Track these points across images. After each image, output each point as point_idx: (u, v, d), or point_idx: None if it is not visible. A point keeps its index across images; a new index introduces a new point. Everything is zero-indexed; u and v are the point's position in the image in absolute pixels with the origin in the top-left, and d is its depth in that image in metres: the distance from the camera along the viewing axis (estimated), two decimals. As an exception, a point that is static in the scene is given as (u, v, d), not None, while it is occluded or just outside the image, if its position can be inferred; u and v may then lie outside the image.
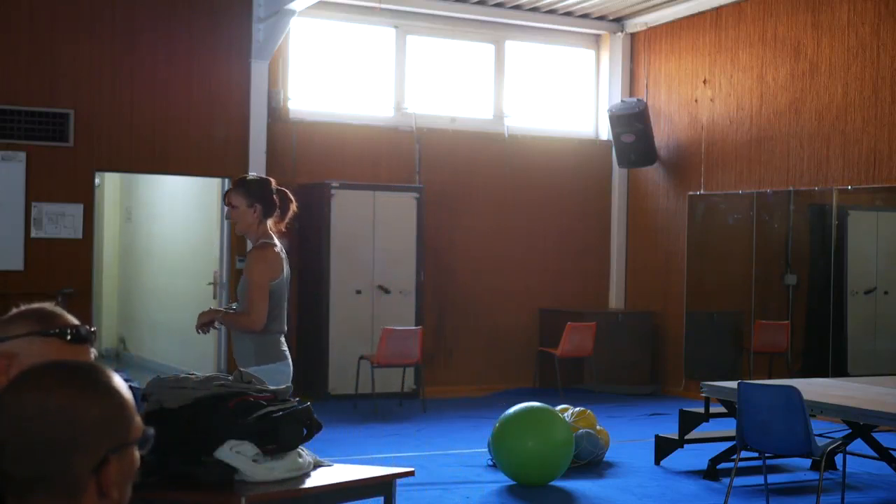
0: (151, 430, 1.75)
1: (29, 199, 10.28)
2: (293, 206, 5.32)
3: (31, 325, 2.34)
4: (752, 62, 11.74)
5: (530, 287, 12.71)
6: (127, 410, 1.70)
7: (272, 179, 5.35)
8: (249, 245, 5.39)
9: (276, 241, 5.26)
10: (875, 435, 7.51)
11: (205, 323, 5.29)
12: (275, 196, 5.27)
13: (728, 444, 7.82)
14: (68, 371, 1.70)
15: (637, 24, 12.98)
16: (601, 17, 12.98)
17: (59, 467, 1.62)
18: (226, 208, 5.33)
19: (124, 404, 1.70)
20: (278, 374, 5.22)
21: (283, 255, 5.31)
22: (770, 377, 10.61)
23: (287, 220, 5.32)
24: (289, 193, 5.34)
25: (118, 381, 1.72)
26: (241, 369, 5.02)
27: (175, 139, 10.91)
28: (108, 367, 1.75)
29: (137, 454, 1.72)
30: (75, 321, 2.39)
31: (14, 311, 2.39)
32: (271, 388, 4.66)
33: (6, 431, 1.63)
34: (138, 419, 1.72)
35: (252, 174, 5.41)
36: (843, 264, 10.98)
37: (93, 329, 2.41)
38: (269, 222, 5.24)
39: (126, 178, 14.35)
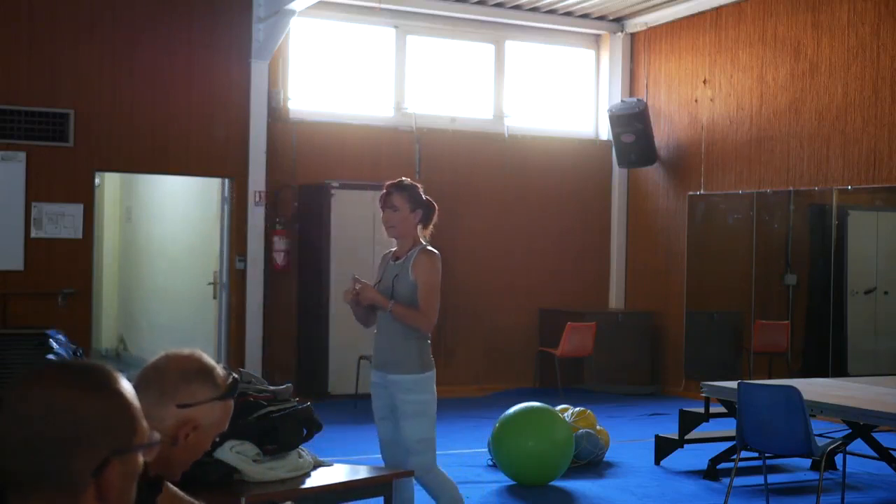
0: (157, 436, 1.74)
1: (29, 199, 10.28)
2: (435, 216, 5.35)
3: (207, 390, 2.33)
4: (752, 62, 11.74)
5: (530, 287, 12.70)
6: (131, 414, 1.69)
7: (420, 185, 5.35)
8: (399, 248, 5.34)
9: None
10: (875, 435, 7.51)
11: (360, 301, 5.20)
12: (426, 203, 5.31)
13: (728, 444, 7.82)
14: (76, 371, 1.69)
15: (637, 24, 12.98)
16: (601, 17, 12.98)
17: (59, 466, 1.62)
18: (384, 211, 5.30)
19: (129, 407, 1.68)
20: (433, 381, 5.22)
21: None
22: (770, 377, 10.60)
23: (431, 228, 5.34)
24: (433, 202, 5.36)
25: (125, 384, 1.70)
26: (401, 375, 5.10)
27: (175, 139, 10.91)
28: (115, 369, 1.74)
29: (141, 460, 1.71)
30: (222, 370, 2.39)
31: (164, 361, 2.34)
32: (270, 388, 4.66)
33: (9, 427, 1.63)
34: (144, 424, 1.71)
35: (406, 179, 5.37)
36: (843, 264, 10.98)
37: (236, 377, 2.45)
38: (419, 229, 5.26)
39: (126, 178, 14.34)
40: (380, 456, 5.43)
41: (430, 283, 5.13)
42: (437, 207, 5.35)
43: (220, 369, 2.39)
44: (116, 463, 1.65)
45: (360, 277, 5.30)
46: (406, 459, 5.19)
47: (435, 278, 5.15)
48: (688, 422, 8.23)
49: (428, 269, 5.14)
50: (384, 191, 5.31)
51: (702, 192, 12.32)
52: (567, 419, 8.01)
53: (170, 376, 2.31)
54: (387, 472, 4.93)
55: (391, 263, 5.29)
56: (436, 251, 5.23)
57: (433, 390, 5.18)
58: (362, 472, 4.87)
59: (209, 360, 2.38)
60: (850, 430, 7.21)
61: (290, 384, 4.93)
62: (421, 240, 5.26)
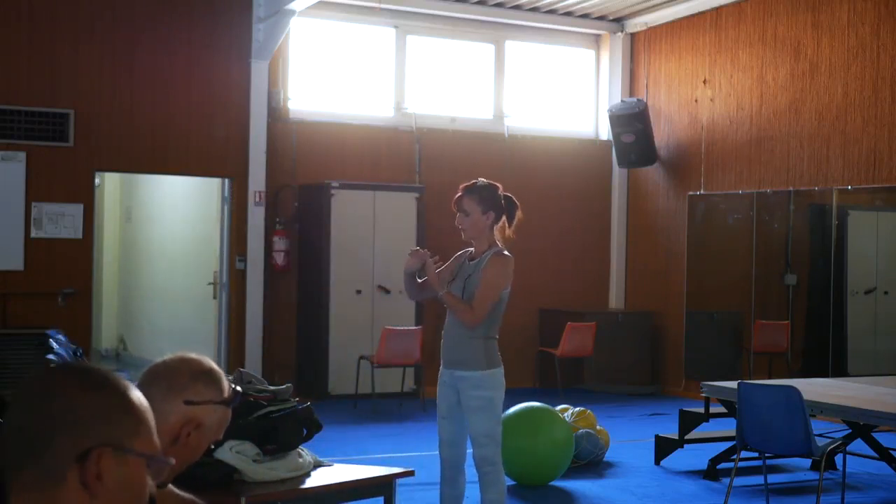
0: (172, 461, 1.72)
1: (29, 199, 10.29)
2: (519, 213, 5.40)
3: (214, 392, 2.37)
4: (752, 62, 11.74)
5: (530, 287, 12.69)
6: (136, 417, 1.66)
7: (499, 185, 5.39)
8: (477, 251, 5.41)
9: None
10: (875, 435, 7.50)
11: (419, 269, 5.28)
12: (503, 202, 5.35)
13: (728, 444, 7.82)
14: (84, 370, 1.69)
15: (637, 24, 12.98)
16: (601, 17, 12.98)
17: (42, 446, 1.60)
18: (458, 214, 5.34)
19: (131, 410, 1.66)
20: (501, 378, 5.33)
21: None
22: (770, 377, 10.60)
23: (514, 226, 5.40)
24: (514, 199, 5.40)
25: (134, 393, 1.68)
26: (468, 372, 5.21)
27: (175, 139, 10.91)
28: (130, 381, 1.73)
29: (146, 473, 1.67)
30: (226, 381, 2.43)
31: (176, 360, 2.37)
32: (270, 388, 4.66)
33: (7, 418, 1.64)
34: (155, 438, 1.68)
35: (482, 180, 5.41)
36: (843, 264, 10.97)
37: (238, 388, 2.48)
38: (497, 229, 5.33)
39: (126, 178, 14.35)
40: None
41: (490, 283, 5.24)
42: (518, 205, 5.40)
43: (224, 379, 2.43)
44: (108, 456, 1.62)
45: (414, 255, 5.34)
46: (462, 459, 5.40)
47: (498, 280, 5.26)
48: (688, 422, 8.23)
49: (494, 272, 5.25)
50: (458, 194, 5.34)
51: (702, 192, 12.32)
52: (567, 419, 8.01)
53: (180, 373, 2.35)
54: (387, 472, 4.93)
55: (467, 263, 5.39)
56: (509, 254, 5.33)
57: (500, 387, 5.30)
58: (362, 472, 4.87)
59: (215, 366, 2.42)
60: (850, 430, 7.21)
61: (290, 384, 4.93)
62: (497, 241, 5.34)
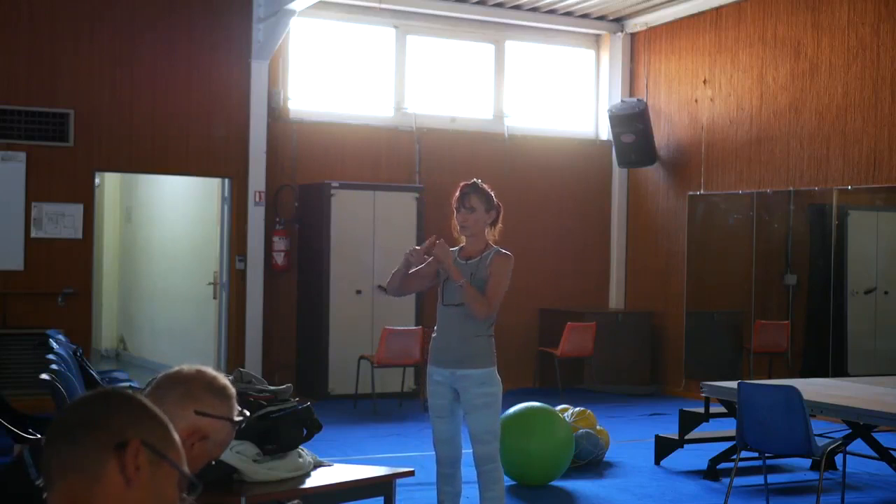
0: (200, 485, 1.75)
1: (29, 199, 10.29)
2: (501, 217, 5.52)
3: (225, 409, 2.40)
4: (752, 62, 11.73)
5: (530, 287, 12.69)
6: (166, 429, 1.73)
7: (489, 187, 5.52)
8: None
9: None
10: (875, 435, 7.50)
11: (433, 254, 5.29)
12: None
13: (728, 444, 7.82)
14: (124, 394, 1.77)
15: (637, 24, 12.98)
16: (601, 17, 12.98)
17: (81, 442, 1.66)
18: (462, 210, 5.39)
19: (166, 425, 1.73)
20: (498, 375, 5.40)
21: None
22: (770, 377, 10.60)
23: (496, 230, 5.52)
24: (500, 203, 5.52)
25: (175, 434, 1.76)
26: (475, 370, 5.27)
27: (175, 139, 10.91)
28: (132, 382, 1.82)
29: (177, 490, 1.71)
30: (236, 404, 2.46)
31: (194, 370, 2.41)
32: (270, 388, 4.66)
33: (52, 425, 1.73)
34: (182, 456, 1.73)
35: (478, 180, 5.53)
36: (843, 264, 10.97)
37: (246, 412, 2.51)
38: (488, 230, 5.46)
39: (126, 178, 14.35)
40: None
41: (500, 281, 5.34)
42: (501, 210, 5.51)
43: (234, 399, 2.46)
44: (144, 454, 1.67)
45: (415, 252, 5.42)
46: (459, 456, 5.43)
47: (506, 279, 5.37)
48: (688, 422, 8.23)
49: (503, 268, 5.37)
50: (459, 192, 5.42)
51: (702, 192, 12.32)
52: (567, 419, 8.01)
53: (197, 383, 2.38)
54: (387, 472, 4.94)
55: (461, 262, 5.40)
56: (510, 254, 5.44)
57: (500, 383, 5.37)
58: (362, 472, 4.88)
59: (230, 385, 2.47)
60: (850, 430, 7.21)
61: (290, 384, 4.93)
62: (490, 241, 5.44)
